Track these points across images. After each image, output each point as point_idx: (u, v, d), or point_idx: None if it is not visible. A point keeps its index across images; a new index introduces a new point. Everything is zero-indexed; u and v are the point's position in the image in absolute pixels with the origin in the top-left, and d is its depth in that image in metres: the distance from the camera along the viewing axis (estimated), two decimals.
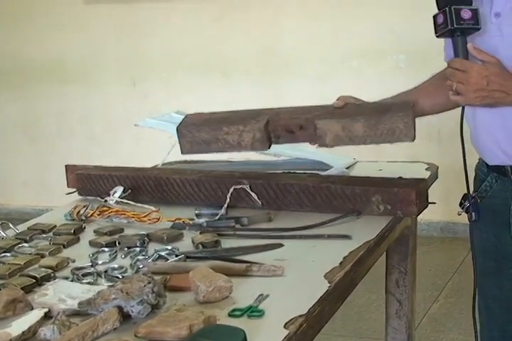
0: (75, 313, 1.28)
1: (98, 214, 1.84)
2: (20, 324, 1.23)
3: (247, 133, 1.75)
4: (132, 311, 1.25)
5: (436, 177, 2.08)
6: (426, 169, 2.08)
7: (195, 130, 1.80)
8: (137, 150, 4.54)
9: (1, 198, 5.33)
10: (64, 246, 1.66)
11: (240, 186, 1.83)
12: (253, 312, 1.27)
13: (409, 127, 1.69)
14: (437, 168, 2.10)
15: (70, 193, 2.06)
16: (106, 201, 1.91)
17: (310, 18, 4.40)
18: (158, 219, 1.77)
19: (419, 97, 1.83)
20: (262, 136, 1.75)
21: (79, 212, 1.85)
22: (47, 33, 4.91)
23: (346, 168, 2.11)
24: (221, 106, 4.75)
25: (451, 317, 3.39)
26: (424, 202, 1.75)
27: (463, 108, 1.64)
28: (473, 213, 1.72)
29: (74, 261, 1.57)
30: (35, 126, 5.11)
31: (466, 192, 1.73)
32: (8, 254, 1.63)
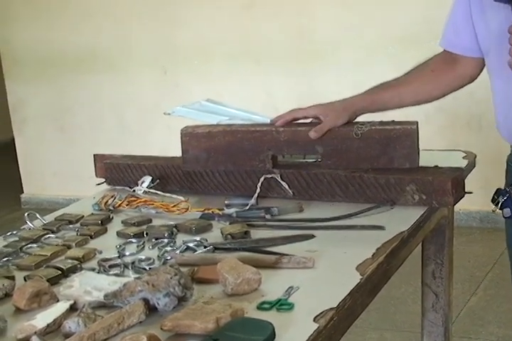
0: (101, 305, 1.26)
1: (126, 205, 1.81)
2: (46, 316, 1.20)
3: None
4: (158, 304, 1.22)
5: (474, 166, 2.01)
6: (463, 157, 2.01)
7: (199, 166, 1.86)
8: (169, 139, 4.51)
9: (32, 188, 5.36)
10: (91, 237, 1.64)
11: (271, 176, 1.80)
12: (282, 305, 1.23)
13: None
14: (475, 156, 2.03)
15: (100, 184, 2.04)
16: (134, 191, 1.89)
17: (343, 3, 4.34)
18: (187, 210, 1.73)
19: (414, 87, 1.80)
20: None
21: (107, 202, 1.82)
22: (78, 21, 4.91)
23: None
24: (254, 95, 4.70)
25: (491, 310, 3.32)
26: (460, 192, 1.69)
27: None
28: (507, 209, 1.64)
29: (101, 252, 1.54)
30: (66, 115, 5.12)
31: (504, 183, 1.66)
32: (35, 245, 1.61)
